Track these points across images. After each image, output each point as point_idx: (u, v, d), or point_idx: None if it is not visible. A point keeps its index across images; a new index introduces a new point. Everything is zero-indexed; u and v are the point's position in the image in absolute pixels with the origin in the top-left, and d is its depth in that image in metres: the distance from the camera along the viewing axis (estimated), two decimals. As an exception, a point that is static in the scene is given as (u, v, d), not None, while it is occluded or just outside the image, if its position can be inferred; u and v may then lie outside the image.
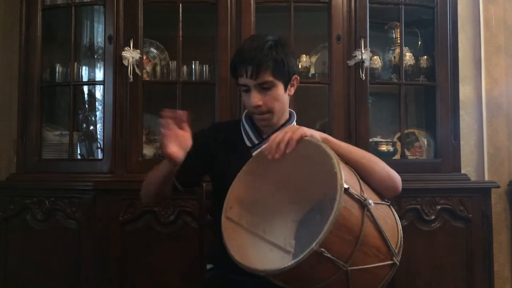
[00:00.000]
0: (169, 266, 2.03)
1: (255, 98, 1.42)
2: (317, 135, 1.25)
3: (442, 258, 2.12)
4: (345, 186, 1.07)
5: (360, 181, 1.20)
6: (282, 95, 1.45)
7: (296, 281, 1.12)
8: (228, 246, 1.19)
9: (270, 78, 1.40)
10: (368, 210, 1.12)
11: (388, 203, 1.30)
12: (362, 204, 1.12)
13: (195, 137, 1.61)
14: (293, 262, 1.04)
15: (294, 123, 1.55)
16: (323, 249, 1.03)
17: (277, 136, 1.22)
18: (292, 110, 1.58)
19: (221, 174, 1.46)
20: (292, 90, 1.51)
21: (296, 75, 1.50)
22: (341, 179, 1.07)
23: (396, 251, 1.21)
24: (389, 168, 1.34)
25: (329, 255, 1.04)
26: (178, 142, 1.31)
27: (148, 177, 1.49)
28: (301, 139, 1.22)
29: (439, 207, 2.13)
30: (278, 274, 1.07)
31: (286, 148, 1.19)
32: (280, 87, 1.43)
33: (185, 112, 1.34)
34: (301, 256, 1.03)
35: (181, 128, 1.33)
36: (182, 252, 2.02)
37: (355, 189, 1.12)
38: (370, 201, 1.13)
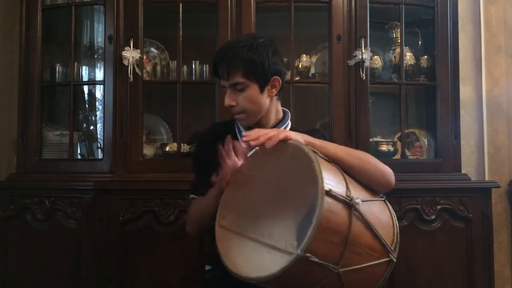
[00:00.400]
0: (169, 266, 2.03)
1: (228, 98, 1.43)
2: (301, 138, 1.24)
3: (442, 258, 2.12)
4: (326, 188, 1.06)
5: (347, 180, 1.18)
6: (257, 96, 1.42)
7: (288, 286, 1.11)
8: (222, 255, 1.19)
9: (241, 80, 1.40)
10: (356, 209, 1.11)
11: (383, 198, 1.29)
12: (348, 204, 1.11)
13: (199, 145, 1.63)
14: (279, 269, 1.03)
15: (289, 122, 1.54)
16: (308, 254, 1.02)
17: (261, 130, 1.24)
18: (286, 110, 1.57)
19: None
20: (273, 92, 1.46)
21: (276, 76, 1.44)
22: (322, 181, 1.06)
23: (392, 248, 1.19)
24: (379, 163, 1.33)
25: (316, 260, 1.03)
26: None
27: (195, 216, 1.46)
28: (287, 143, 1.21)
29: (439, 207, 2.13)
30: (269, 281, 1.07)
31: (266, 142, 1.20)
32: (254, 88, 1.41)
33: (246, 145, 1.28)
34: (287, 263, 1.03)
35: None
36: (182, 252, 2.02)
37: (340, 190, 1.11)
38: (358, 200, 1.11)
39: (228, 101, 1.43)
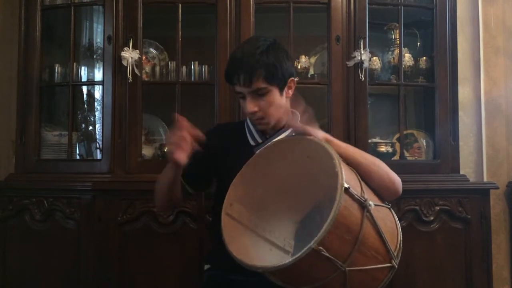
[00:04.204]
0: (168, 267, 2.03)
1: (250, 105, 1.42)
2: (320, 135, 1.26)
3: (441, 259, 2.12)
4: (346, 185, 1.07)
5: (361, 182, 1.20)
6: (278, 99, 1.45)
7: (293, 279, 1.12)
8: (226, 242, 1.19)
9: (264, 85, 1.40)
10: (368, 211, 1.13)
11: (389, 206, 1.31)
12: (362, 205, 1.12)
13: (206, 133, 1.64)
14: (291, 259, 1.04)
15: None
16: (321, 248, 1.03)
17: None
18: (294, 110, 1.58)
19: (225, 173, 1.46)
20: (290, 93, 1.50)
21: (292, 78, 1.48)
22: (342, 178, 1.08)
23: (395, 254, 1.21)
24: (389, 170, 1.35)
25: (327, 254, 1.05)
26: (182, 147, 1.32)
27: (157, 188, 1.51)
28: (304, 139, 1.22)
29: (438, 208, 2.13)
30: (276, 271, 1.08)
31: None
32: (275, 92, 1.43)
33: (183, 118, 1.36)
34: (299, 253, 1.03)
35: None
36: (181, 253, 2.02)
37: (356, 190, 1.13)
38: (371, 202, 1.13)
39: (251, 107, 1.42)
